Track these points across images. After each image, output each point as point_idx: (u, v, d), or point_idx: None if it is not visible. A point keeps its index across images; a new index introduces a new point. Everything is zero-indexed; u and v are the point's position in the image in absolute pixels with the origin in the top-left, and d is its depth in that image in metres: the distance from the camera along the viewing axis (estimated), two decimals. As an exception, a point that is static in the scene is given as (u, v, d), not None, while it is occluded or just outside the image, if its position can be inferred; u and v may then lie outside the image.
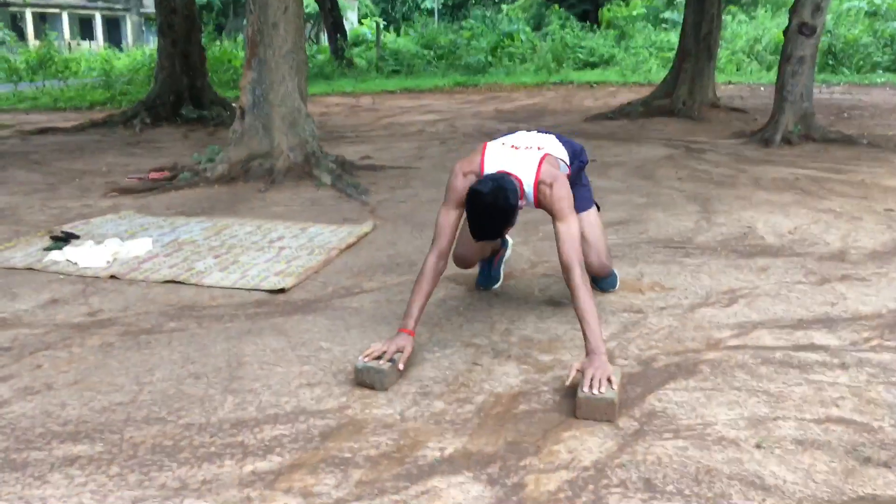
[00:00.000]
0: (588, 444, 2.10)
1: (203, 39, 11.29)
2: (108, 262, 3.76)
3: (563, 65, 19.53)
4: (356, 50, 22.48)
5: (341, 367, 2.59)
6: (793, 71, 7.65)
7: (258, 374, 2.55)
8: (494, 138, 2.89)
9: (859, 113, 10.41)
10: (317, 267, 3.69)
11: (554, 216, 2.57)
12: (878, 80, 15.15)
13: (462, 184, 2.63)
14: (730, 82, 15.93)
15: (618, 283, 3.33)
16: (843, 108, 11.01)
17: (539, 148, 2.73)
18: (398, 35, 27.20)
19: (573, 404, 2.26)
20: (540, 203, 2.64)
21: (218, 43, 20.61)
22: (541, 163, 2.63)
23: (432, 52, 20.98)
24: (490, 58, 20.00)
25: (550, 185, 2.58)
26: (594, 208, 3.13)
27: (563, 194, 2.56)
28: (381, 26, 24.81)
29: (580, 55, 20.30)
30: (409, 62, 20.25)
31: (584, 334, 2.38)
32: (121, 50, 28.19)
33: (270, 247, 4.04)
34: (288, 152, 5.99)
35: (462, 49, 20.71)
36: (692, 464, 1.99)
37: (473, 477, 1.94)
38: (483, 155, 2.68)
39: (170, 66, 10.41)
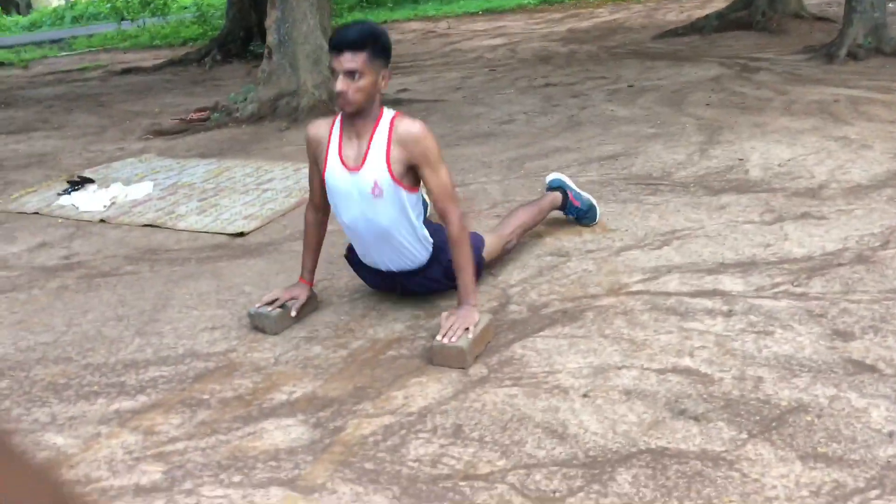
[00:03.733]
0: (428, 390, 2.21)
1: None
2: (105, 206, 4.10)
3: (661, -27, 18.43)
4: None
5: (251, 311, 2.79)
6: (864, -23, 6.99)
7: (174, 317, 2.79)
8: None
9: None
10: (285, 210, 3.88)
11: (422, 166, 2.39)
12: None
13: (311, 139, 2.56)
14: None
15: (598, 217, 3.34)
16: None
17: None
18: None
19: (434, 351, 2.36)
20: (403, 149, 2.38)
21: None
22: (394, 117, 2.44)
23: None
24: (583, -30, 19.16)
25: (416, 128, 2.37)
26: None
27: (433, 142, 2.40)
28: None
29: (682, -39, 19.08)
30: (501, -21, 19.74)
31: (458, 285, 2.46)
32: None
33: (257, 189, 4.27)
34: (313, 90, 6.15)
35: (556, -38, 19.93)
36: (511, 412, 2.06)
37: (304, 420, 2.11)
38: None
39: (239, 2, 10.71)
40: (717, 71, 7.06)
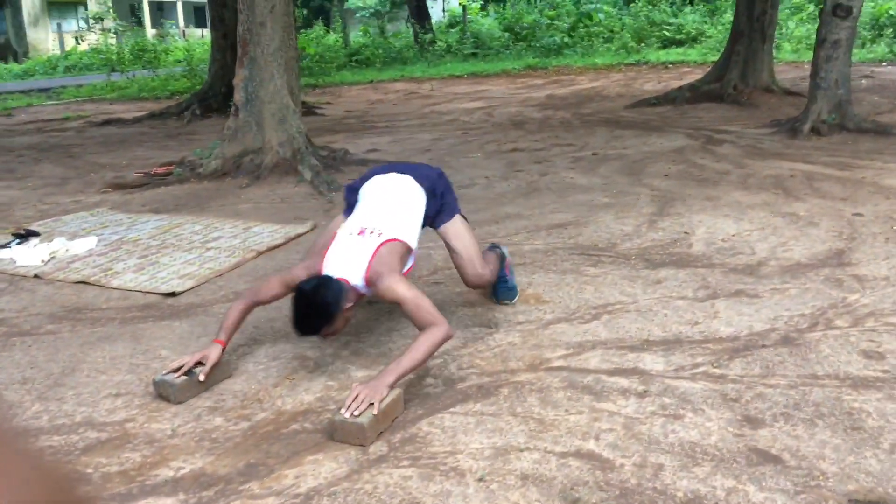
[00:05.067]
0: (322, 468, 2.12)
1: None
2: (44, 260, 4.04)
3: (644, 44, 18.88)
4: (451, 31, 22.49)
5: (162, 377, 2.70)
6: (827, 56, 7.12)
7: (80, 381, 2.70)
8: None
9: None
10: (224, 270, 3.82)
11: (397, 302, 2.55)
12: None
13: (301, 274, 2.66)
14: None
15: (517, 297, 3.29)
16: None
17: (380, 234, 2.68)
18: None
19: (336, 427, 2.28)
20: (376, 296, 2.64)
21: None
22: (373, 256, 2.61)
23: (512, 34, 20.77)
24: (568, 39, 19.60)
25: (376, 283, 2.56)
26: (458, 216, 3.08)
27: (389, 284, 2.53)
28: (467, 7, 24.77)
29: (666, 33, 19.56)
30: (489, 44, 20.16)
31: (391, 363, 2.40)
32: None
33: (201, 246, 4.22)
34: (277, 148, 6.16)
35: (542, 30, 20.40)
36: (401, 495, 1.98)
37: (184, 500, 2.01)
38: (325, 254, 2.69)
39: (221, 59, 10.83)
40: (682, 142, 7.13)
